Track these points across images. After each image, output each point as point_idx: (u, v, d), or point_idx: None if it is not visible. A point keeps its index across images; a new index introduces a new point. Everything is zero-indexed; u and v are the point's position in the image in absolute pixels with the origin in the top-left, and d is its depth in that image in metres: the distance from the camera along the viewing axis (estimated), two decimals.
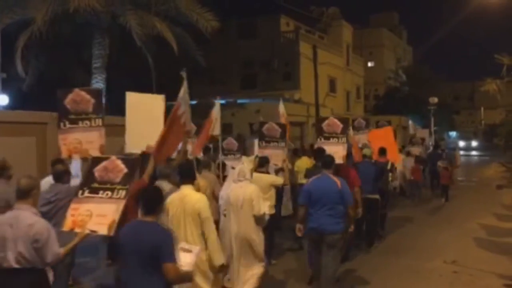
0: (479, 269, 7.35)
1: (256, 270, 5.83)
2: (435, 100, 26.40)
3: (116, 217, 4.28)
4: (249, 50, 29.19)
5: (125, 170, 4.57)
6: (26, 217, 3.76)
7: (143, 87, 14.23)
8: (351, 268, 7.52)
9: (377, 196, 8.72)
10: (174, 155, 6.54)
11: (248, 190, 5.84)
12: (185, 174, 5.04)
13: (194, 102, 18.18)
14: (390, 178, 9.98)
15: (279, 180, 7.57)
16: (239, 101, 23.29)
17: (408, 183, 14.30)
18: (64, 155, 5.96)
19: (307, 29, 32.29)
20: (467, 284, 6.76)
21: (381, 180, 9.11)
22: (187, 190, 4.91)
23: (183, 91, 6.48)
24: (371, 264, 7.63)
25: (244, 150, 11.01)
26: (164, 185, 5.39)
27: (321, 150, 7.82)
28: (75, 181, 5.44)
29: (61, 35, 14.30)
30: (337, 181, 6.03)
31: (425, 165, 15.64)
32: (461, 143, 44.37)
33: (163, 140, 5.93)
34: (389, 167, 9.84)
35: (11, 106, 14.47)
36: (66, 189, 5.30)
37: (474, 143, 49.07)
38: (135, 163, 4.86)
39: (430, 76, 44.32)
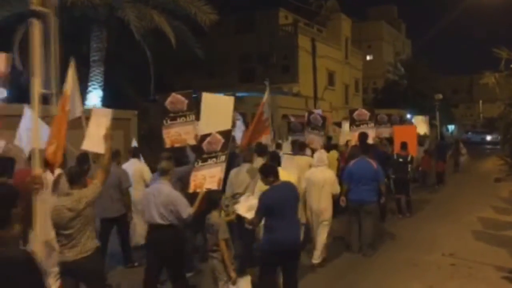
0: (477, 261, 7.38)
1: (325, 231, 7.28)
2: (440, 96, 26.50)
3: (222, 175, 5.83)
4: (247, 44, 29.08)
5: (223, 140, 5.89)
6: (165, 189, 5.38)
7: (142, 80, 14.23)
8: (351, 260, 7.59)
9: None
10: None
11: (327, 173, 7.37)
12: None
13: (194, 96, 18.12)
14: (409, 169, 10.99)
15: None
16: (238, 94, 23.27)
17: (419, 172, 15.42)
18: (167, 145, 7.13)
19: (306, 22, 32.11)
20: (466, 277, 6.78)
21: (400, 169, 10.78)
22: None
23: (266, 96, 8.27)
24: (370, 257, 7.65)
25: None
26: (247, 167, 6.93)
27: (364, 135, 9.38)
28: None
29: (59, 28, 14.20)
30: (373, 163, 7.79)
31: (433, 156, 16.56)
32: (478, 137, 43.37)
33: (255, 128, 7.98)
34: (409, 159, 10.98)
35: (9, 100, 14.39)
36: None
37: (489, 137, 44.41)
38: (229, 133, 6.23)
39: (428, 69, 44.13)
